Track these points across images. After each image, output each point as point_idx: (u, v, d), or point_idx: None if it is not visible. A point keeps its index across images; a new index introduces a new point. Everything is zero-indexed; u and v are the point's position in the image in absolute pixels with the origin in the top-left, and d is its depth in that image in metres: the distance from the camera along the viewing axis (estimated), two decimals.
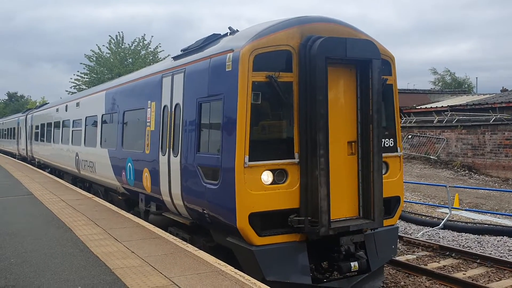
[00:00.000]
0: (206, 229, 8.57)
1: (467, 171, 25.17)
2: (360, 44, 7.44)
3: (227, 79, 7.39)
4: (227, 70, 7.43)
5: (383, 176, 7.73)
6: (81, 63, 42.28)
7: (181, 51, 9.89)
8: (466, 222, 14.75)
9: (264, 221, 7.20)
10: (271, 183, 7.21)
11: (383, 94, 7.88)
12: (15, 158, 33.65)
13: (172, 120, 9.15)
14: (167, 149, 9.23)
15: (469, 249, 11.64)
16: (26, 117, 30.00)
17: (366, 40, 7.64)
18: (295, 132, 7.29)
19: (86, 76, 41.96)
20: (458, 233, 13.29)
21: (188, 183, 8.36)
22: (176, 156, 8.81)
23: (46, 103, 32.65)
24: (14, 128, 35.82)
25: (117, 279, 6.19)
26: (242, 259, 7.43)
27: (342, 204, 7.58)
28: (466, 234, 13.20)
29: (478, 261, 10.70)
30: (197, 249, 7.73)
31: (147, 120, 10.42)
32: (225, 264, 6.85)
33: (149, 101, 10.41)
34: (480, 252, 11.37)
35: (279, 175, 7.26)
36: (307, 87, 7.16)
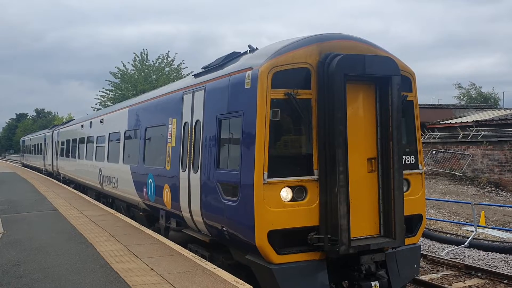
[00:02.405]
0: (225, 247, 8.55)
1: (493, 188, 24.56)
2: (379, 61, 7.40)
3: (246, 96, 7.44)
4: (246, 87, 7.48)
5: (404, 193, 7.62)
6: (106, 80, 43.12)
7: (201, 68, 10.02)
8: (493, 241, 14.37)
9: (283, 239, 7.14)
10: (290, 200, 7.17)
11: (404, 111, 7.80)
12: (41, 173, 34.34)
13: (193, 137, 9.23)
14: (187, 165, 9.30)
15: (495, 269, 11.32)
16: (52, 133, 30.65)
17: (385, 57, 7.60)
18: (314, 148, 7.26)
19: (111, 93, 42.73)
20: (484, 252, 12.95)
21: (208, 200, 8.39)
22: (196, 172, 8.86)
23: (72, 119, 33.34)
24: (41, 144, 36.62)
25: None
26: (261, 278, 7.37)
27: (363, 222, 7.48)
28: (493, 253, 12.85)
29: (505, 281, 10.39)
30: (216, 267, 7.71)
31: (168, 137, 10.54)
32: (244, 282, 6.81)
33: (170, 118, 10.53)
34: (508, 272, 11.04)
35: (299, 192, 7.22)
36: (326, 104, 7.14)
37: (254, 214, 7.02)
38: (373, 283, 7.33)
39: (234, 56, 8.92)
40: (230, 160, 7.94)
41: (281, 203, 7.10)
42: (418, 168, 8.27)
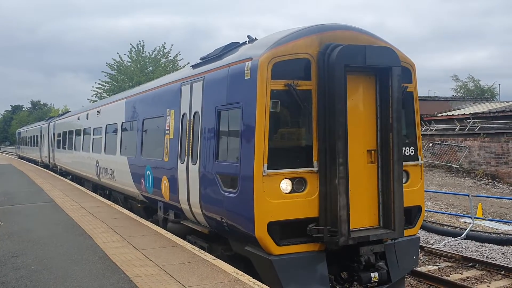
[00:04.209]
0: (224, 238, 8.54)
1: (490, 180, 24.65)
2: (380, 52, 7.36)
3: (246, 87, 7.39)
4: (245, 78, 7.42)
5: (403, 185, 7.61)
6: (103, 71, 42.92)
7: (200, 59, 9.94)
8: (490, 233, 14.42)
9: (283, 230, 7.14)
10: (290, 192, 7.15)
11: (403, 102, 7.78)
12: (38, 165, 34.20)
13: (191, 128, 9.17)
14: (186, 157, 9.25)
15: (493, 260, 11.37)
16: (48, 125, 30.49)
17: (385, 48, 7.56)
18: (314, 140, 7.24)
19: (107, 85, 42.55)
20: (481, 244, 13.00)
21: (207, 191, 8.35)
22: (194, 164, 8.82)
23: (68, 111, 33.19)
24: (37, 136, 36.43)
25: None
26: (261, 269, 7.37)
27: (362, 213, 7.47)
28: (490, 244, 12.90)
29: (502, 272, 10.43)
30: (215, 258, 7.70)
31: (166, 128, 10.48)
32: (243, 273, 6.80)
33: (168, 109, 10.47)
34: (505, 263, 11.09)
35: (298, 184, 7.20)
36: (326, 95, 7.10)
37: (253, 205, 7.00)
38: (372, 274, 7.35)
39: (233, 47, 8.84)
40: (229, 152, 7.90)
41: (281, 195, 7.08)
42: (418, 160, 8.26)
